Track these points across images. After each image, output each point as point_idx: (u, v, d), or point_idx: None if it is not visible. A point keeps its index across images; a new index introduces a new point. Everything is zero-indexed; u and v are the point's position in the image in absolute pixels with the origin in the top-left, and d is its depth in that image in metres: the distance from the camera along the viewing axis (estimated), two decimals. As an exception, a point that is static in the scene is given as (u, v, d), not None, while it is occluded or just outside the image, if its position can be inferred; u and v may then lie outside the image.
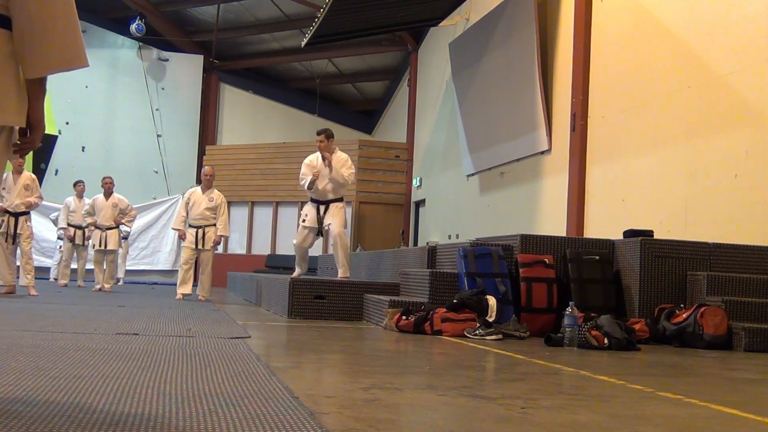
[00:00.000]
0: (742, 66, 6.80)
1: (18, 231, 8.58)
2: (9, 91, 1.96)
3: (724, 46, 7.06)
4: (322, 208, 7.82)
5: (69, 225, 12.34)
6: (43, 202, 9.63)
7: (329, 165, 7.68)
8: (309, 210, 7.91)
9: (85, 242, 12.15)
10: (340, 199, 7.87)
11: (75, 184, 12.66)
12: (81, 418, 1.89)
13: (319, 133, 7.83)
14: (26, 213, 8.75)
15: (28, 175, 8.87)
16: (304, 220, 7.93)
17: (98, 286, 10.78)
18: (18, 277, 8.90)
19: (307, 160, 7.95)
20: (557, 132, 9.96)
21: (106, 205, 11.00)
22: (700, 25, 7.41)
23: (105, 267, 10.92)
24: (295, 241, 8.09)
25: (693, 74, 7.44)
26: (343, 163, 7.76)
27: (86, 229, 11.80)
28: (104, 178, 11.19)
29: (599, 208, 8.94)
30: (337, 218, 7.72)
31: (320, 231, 7.84)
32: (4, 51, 1.95)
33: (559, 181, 9.73)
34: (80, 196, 12.40)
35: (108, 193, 11.07)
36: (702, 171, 7.20)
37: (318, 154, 7.82)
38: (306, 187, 7.83)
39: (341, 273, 7.64)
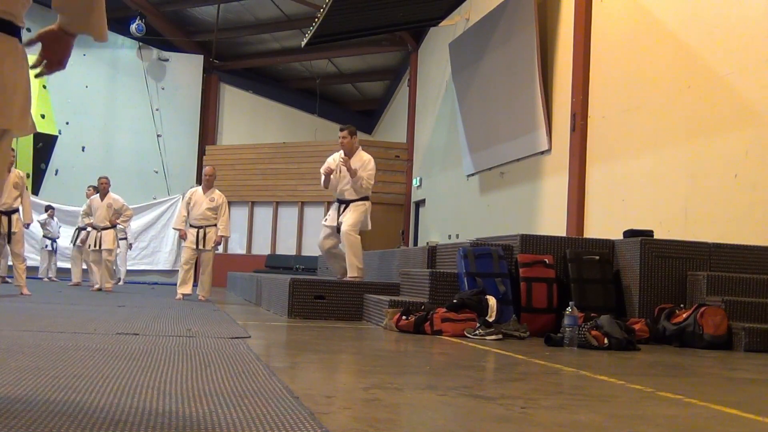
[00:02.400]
0: (742, 66, 6.80)
1: (12, 229, 8.50)
2: (14, 96, 1.96)
3: (724, 46, 7.06)
4: (342, 207, 7.50)
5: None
6: (34, 200, 9.57)
7: (348, 167, 7.25)
8: (332, 209, 7.65)
9: (77, 242, 12.74)
10: (361, 199, 7.45)
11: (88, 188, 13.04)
12: (81, 418, 1.88)
13: (342, 129, 7.39)
14: (16, 211, 8.61)
15: (17, 172, 8.65)
16: (326, 219, 7.70)
17: (97, 286, 10.78)
18: (12, 277, 8.88)
19: (329, 158, 7.53)
20: (557, 132, 9.96)
21: (101, 206, 11.00)
22: (700, 25, 7.41)
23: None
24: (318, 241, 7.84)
25: (693, 74, 7.43)
26: (364, 165, 7.35)
27: (83, 231, 12.20)
28: (100, 179, 11.15)
29: (599, 208, 8.94)
30: (349, 218, 7.35)
31: (338, 229, 7.45)
32: (13, 58, 1.95)
33: (559, 181, 9.72)
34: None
35: (104, 194, 11.06)
36: (702, 171, 7.19)
37: (341, 152, 7.41)
38: (323, 186, 7.51)
39: (348, 273, 7.32)
